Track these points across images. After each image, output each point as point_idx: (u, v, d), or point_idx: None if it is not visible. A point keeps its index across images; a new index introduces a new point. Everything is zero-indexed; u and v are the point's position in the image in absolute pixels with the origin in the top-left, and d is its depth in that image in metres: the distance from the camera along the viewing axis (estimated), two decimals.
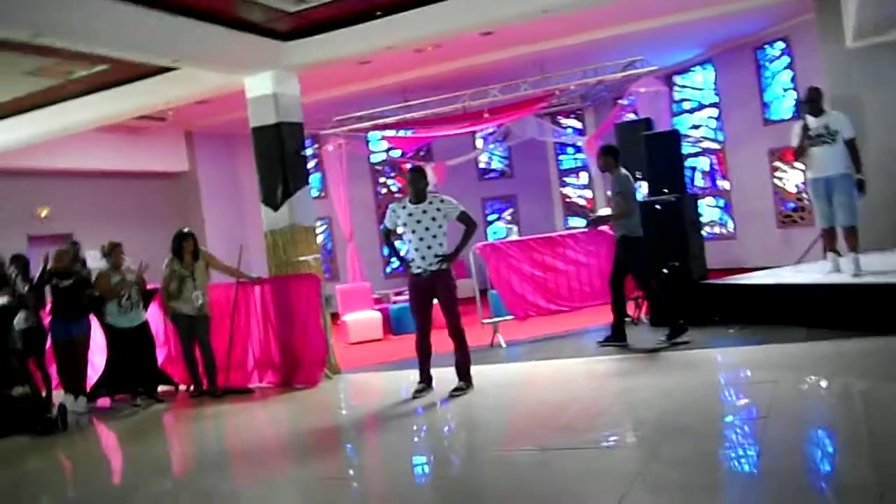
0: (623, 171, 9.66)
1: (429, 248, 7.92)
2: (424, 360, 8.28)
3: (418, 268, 8.00)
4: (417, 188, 8.01)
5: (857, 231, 9.05)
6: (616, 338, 9.64)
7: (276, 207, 10.26)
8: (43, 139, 13.06)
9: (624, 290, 9.86)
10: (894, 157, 10.86)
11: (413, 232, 7.94)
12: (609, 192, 9.83)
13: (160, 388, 10.14)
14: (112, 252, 9.79)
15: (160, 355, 10.40)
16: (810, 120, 9.15)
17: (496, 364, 9.42)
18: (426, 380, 8.29)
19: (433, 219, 7.91)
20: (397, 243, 8.36)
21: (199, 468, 6.92)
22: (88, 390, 10.02)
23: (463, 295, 11.16)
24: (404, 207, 8.03)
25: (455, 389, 8.01)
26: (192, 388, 9.96)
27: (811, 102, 9.21)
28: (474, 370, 8.24)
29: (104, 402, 10.16)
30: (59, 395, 9.69)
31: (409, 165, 19.30)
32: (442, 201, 8.01)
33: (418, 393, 8.16)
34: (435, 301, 8.16)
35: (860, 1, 9.92)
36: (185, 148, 17.28)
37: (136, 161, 16.14)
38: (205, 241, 12.74)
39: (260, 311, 10.15)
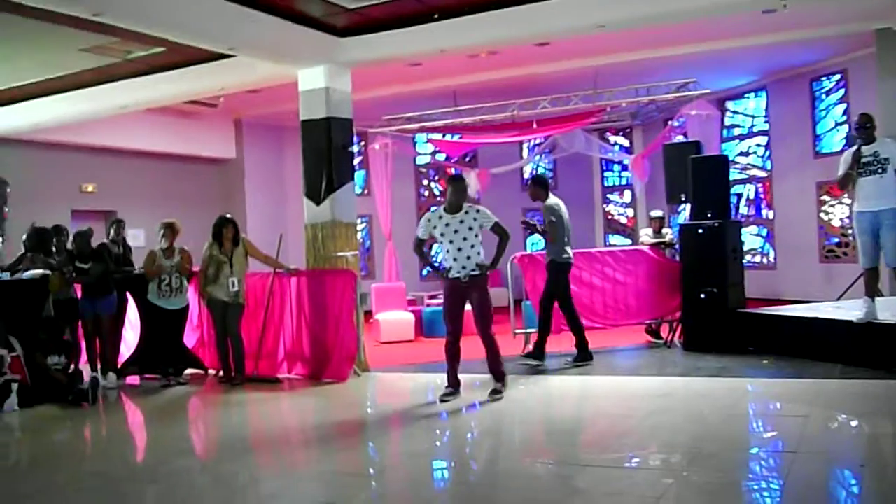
0: (553, 199, 10.01)
1: (468, 257, 8.02)
2: (453, 364, 8.31)
3: (457, 273, 8.07)
4: (457, 197, 8.14)
5: None
6: (535, 356, 9.96)
7: (318, 201, 10.30)
8: (95, 116, 13.24)
9: (551, 312, 10.10)
10: None
11: (451, 242, 8.06)
12: (546, 220, 10.09)
13: (190, 371, 10.24)
14: (164, 233, 9.97)
15: (193, 338, 10.51)
16: (863, 148, 8.58)
17: (525, 375, 9.39)
18: (454, 384, 8.30)
19: (469, 228, 8.04)
20: (435, 247, 8.37)
21: (220, 453, 6.97)
22: (120, 367, 10.16)
23: (497, 304, 11.14)
24: (440, 217, 8.15)
25: (493, 391, 8.11)
26: (221, 373, 10.02)
27: (864, 128, 8.58)
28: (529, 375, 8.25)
29: (133, 379, 10.25)
30: (87, 370, 9.81)
31: (453, 170, 19.35)
32: (478, 212, 8.13)
33: (445, 397, 8.17)
34: (468, 307, 8.21)
35: None
36: (234, 135, 17.38)
37: (185, 145, 16.27)
38: (245, 230, 12.80)
39: (294, 302, 10.19)
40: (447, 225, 8.09)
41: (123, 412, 9.08)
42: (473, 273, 8.03)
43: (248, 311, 10.10)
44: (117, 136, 14.86)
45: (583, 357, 9.93)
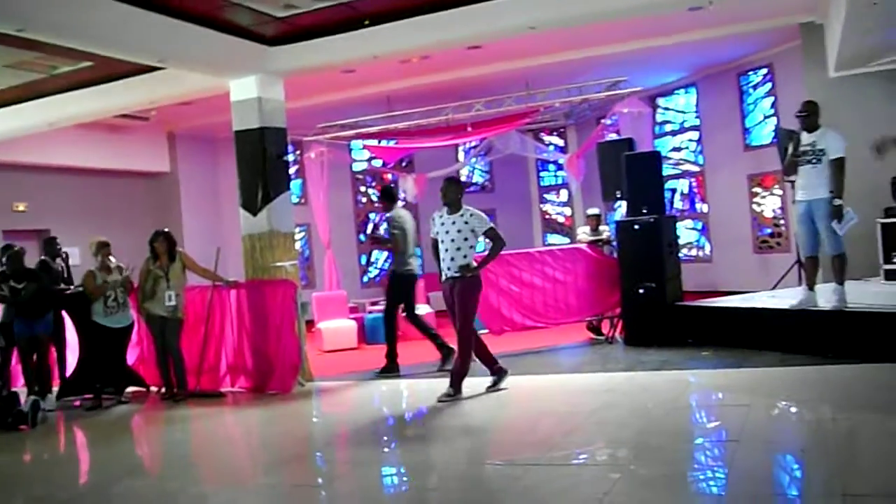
0: (398, 211, 10.44)
1: (452, 258, 8.20)
2: (479, 359, 8.52)
3: (444, 274, 8.31)
4: (445, 199, 8.35)
5: (843, 260, 8.61)
6: (389, 369, 10.17)
7: (255, 212, 10.22)
8: (23, 134, 12.98)
9: (396, 322, 10.49)
10: (872, 187, 10.92)
11: (443, 242, 8.29)
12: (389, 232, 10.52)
13: (131, 389, 10.08)
14: (99, 251, 9.76)
15: (133, 355, 10.36)
16: (803, 135, 8.69)
17: (469, 377, 9.37)
18: (494, 372, 8.55)
19: (459, 231, 8.20)
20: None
21: (166, 470, 6.88)
22: (59, 388, 9.97)
23: (440, 308, 11.13)
24: (441, 217, 8.39)
25: (442, 395, 8.14)
26: (163, 390, 9.88)
27: (806, 116, 8.69)
28: (447, 383, 8.26)
29: (74, 400, 10.06)
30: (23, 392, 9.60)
31: (390, 175, 19.35)
32: (472, 216, 8.27)
33: (491, 387, 8.44)
34: None
35: (843, 33, 10.02)
36: (167, 149, 17.18)
37: (117, 160, 16.00)
38: (183, 243, 12.66)
39: (235, 315, 10.09)
40: (443, 225, 8.33)
41: (65, 434, 8.91)
42: (455, 275, 8.18)
43: (189, 326, 9.98)
44: (47, 153, 14.57)
45: (390, 369, 10.20)
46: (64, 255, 10.92)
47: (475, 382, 8.37)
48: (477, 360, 8.50)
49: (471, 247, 8.23)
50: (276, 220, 10.25)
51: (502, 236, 8.44)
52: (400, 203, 10.82)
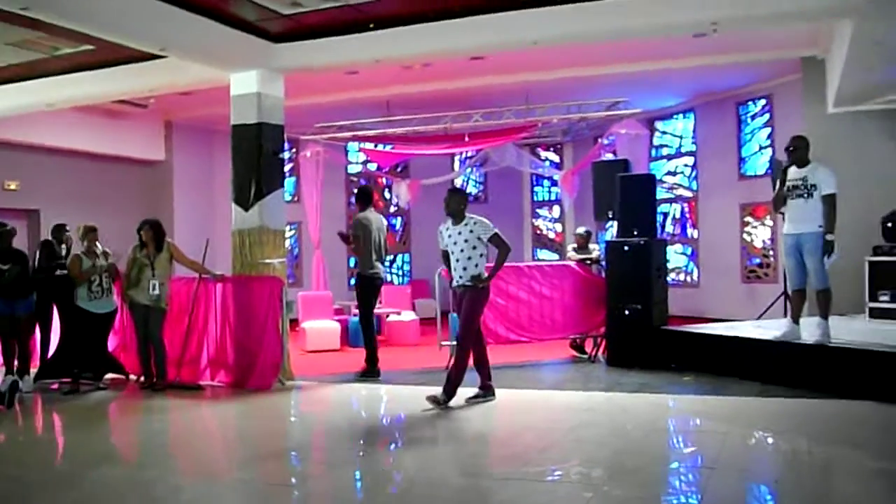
0: (364, 213, 10.59)
1: (464, 268, 8.32)
2: (477, 369, 8.60)
3: (456, 282, 8.45)
4: (448, 210, 8.46)
5: (828, 295, 8.62)
6: (369, 373, 10.22)
7: (246, 207, 10.21)
8: (21, 112, 12.93)
9: (374, 326, 10.65)
10: (863, 226, 10.98)
11: (452, 252, 8.43)
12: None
13: (110, 376, 10.05)
14: (86, 236, 9.73)
15: (115, 343, 10.32)
16: (792, 170, 8.75)
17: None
18: (483, 387, 8.59)
19: (466, 240, 8.32)
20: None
21: (141, 459, 6.85)
22: (37, 370, 9.93)
23: (424, 315, 11.07)
24: (447, 228, 8.52)
25: (430, 395, 8.25)
26: (142, 378, 9.85)
27: (793, 151, 8.74)
28: (427, 391, 8.28)
29: (52, 383, 10.02)
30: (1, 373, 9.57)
31: (384, 180, 19.35)
32: (476, 223, 8.37)
33: (472, 399, 8.48)
34: None
35: (844, 69, 10.08)
36: (164, 137, 17.13)
37: (112, 145, 15.95)
38: (172, 233, 12.65)
39: (219, 308, 10.07)
40: (450, 236, 8.47)
41: (41, 416, 8.86)
42: (467, 284, 8.30)
43: (172, 316, 9.96)
44: (43, 134, 14.52)
45: (370, 373, 10.24)
46: (69, 242, 10.87)
47: (460, 392, 8.35)
48: (476, 367, 8.57)
49: (480, 255, 8.38)
50: (268, 217, 10.24)
51: (507, 242, 8.50)
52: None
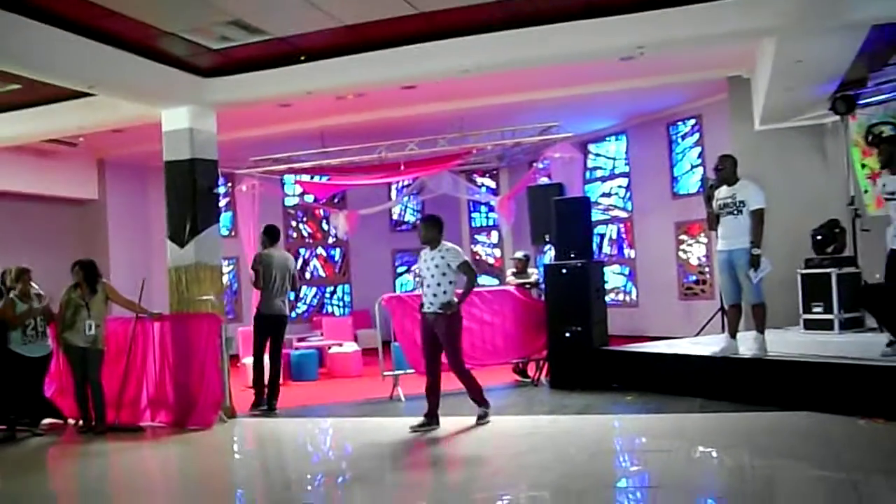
0: (272, 249, 10.73)
1: (434, 294, 8.46)
2: (429, 398, 8.61)
3: (426, 308, 8.57)
4: (422, 239, 8.69)
5: (763, 309, 8.80)
6: (259, 403, 10.32)
7: (182, 244, 10.10)
8: None
9: (262, 365, 10.48)
10: (794, 239, 11.20)
11: (424, 278, 8.61)
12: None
13: (48, 421, 9.82)
14: (19, 278, 9.52)
15: (51, 387, 10.10)
16: (722, 189, 8.93)
17: (395, 417, 9.35)
18: (428, 415, 8.55)
19: (437, 266, 8.49)
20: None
21: None
22: None
23: (367, 345, 11.00)
24: (423, 254, 8.72)
25: (479, 417, 8.57)
26: (81, 422, 9.64)
27: (721, 170, 8.95)
28: (373, 422, 8.32)
29: None
30: None
31: (321, 211, 19.29)
32: (448, 251, 8.57)
33: (417, 428, 8.41)
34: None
35: (768, 88, 10.33)
36: (96, 175, 16.90)
37: (44, 185, 15.67)
38: (108, 273, 12.45)
39: (158, 348, 9.90)
40: (425, 262, 8.63)
41: None
42: (438, 311, 8.41)
43: (110, 357, 9.76)
44: None
45: (258, 403, 10.34)
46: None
47: (402, 422, 8.32)
48: (427, 393, 8.61)
49: (450, 282, 8.49)
50: (204, 253, 10.14)
51: (474, 269, 8.75)
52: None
